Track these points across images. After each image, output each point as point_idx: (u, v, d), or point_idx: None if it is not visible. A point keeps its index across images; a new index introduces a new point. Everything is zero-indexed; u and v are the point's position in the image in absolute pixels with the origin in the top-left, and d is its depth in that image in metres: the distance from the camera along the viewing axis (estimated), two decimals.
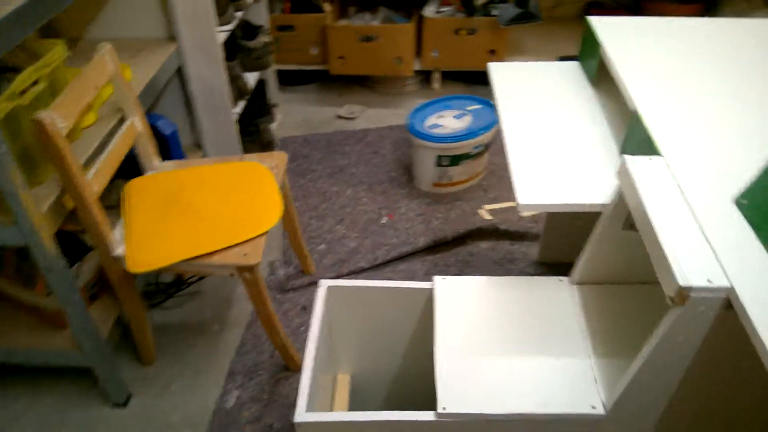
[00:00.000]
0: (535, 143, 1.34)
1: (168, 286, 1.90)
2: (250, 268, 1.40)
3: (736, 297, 0.83)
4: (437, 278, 1.26)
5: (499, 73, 1.61)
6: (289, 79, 3.01)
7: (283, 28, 2.78)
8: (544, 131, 1.38)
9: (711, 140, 1.13)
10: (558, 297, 1.23)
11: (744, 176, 1.03)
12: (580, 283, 1.26)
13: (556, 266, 1.95)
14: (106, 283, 1.56)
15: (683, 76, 1.34)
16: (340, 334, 1.35)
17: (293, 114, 2.82)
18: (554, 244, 1.94)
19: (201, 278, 1.94)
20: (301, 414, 1.04)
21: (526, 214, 2.14)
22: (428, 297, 1.28)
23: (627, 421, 1.04)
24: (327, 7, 2.80)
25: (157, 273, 1.52)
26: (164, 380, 1.63)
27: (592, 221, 1.83)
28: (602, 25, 1.54)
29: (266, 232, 1.44)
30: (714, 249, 0.90)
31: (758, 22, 1.59)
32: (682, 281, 0.85)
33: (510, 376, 1.08)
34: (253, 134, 2.43)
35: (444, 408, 1.02)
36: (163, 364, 1.67)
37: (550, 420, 1.03)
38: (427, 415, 1.03)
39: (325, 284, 1.27)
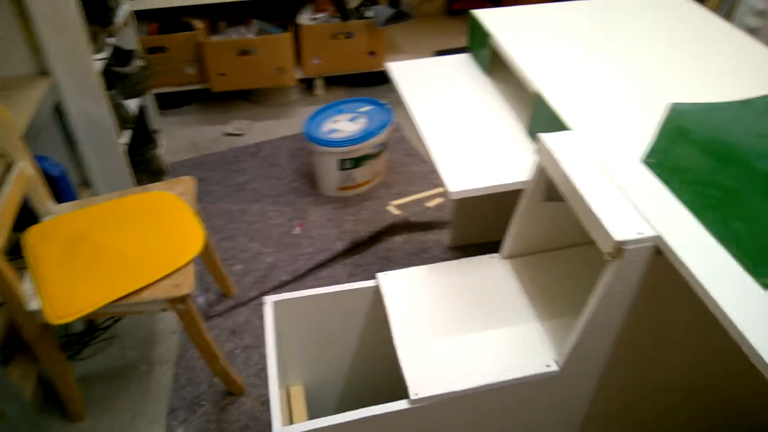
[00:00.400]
0: (449, 134, 1.41)
1: (80, 335, 1.79)
2: (183, 299, 1.36)
3: (664, 243, 0.94)
4: (380, 275, 1.29)
5: (399, 72, 1.67)
6: (166, 103, 2.91)
7: (154, 50, 2.68)
8: (454, 122, 1.45)
9: (610, 110, 1.25)
10: (494, 273, 1.30)
11: (645, 138, 1.16)
12: (510, 257, 1.34)
13: (468, 248, 2.05)
14: (19, 341, 1.44)
15: (571, 55, 1.46)
16: (289, 347, 1.35)
17: (178, 138, 2.73)
18: (463, 229, 2.03)
19: (116, 321, 1.83)
20: (279, 429, 1.03)
21: (431, 204, 2.23)
22: (372, 295, 1.31)
23: (578, 375, 1.13)
24: (198, 24, 2.74)
25: (68, 324, 1.43)
26: None
27: (498, 203, 1.94)
28: (487, 17, 1.64)
29: (193, 259, 1.41)
30: (636, 205, 1.00)
31: (621, 0, 1.76)
32: (618, 237, 0.94)
33: (469, 352, 1.13)
34: (142, 164, 2.33)
35: (416, 394, 1.06)
36: (95, 417, 1.57)
37: (511, 384, 1.10)
38: (401, 404, 1.06)
39: (270, 300, 1.26)
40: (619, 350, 1.12)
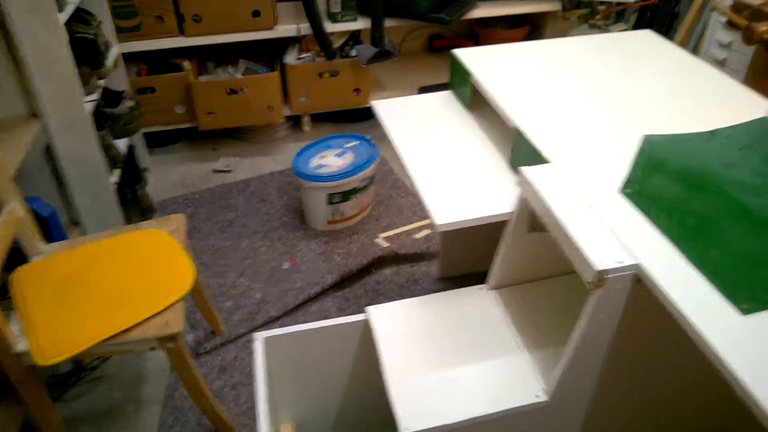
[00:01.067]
0: (434, 168, 1.44)
1: (67, 376, 1.77)
2: (173, 337, 1.37)
3: (643, 271, 0.96)
4: (369, 308, 1.31)
5: (384, 110, 1.71)
6: (155, 141, 2.94)
7: (143, 90, 2.71)
8: (438, 156, 1.49)
9: (587, 143, 1.30)
10: (482, 304, 1.32)
11: (622, 169, 1.19)
12: (497, 288, 1.36)
13: (457, 279, 2.07)
14: (3, 384, 1.44)
15: (548, 91, 1.51)
16: (278, 383, 1.35)
17: (167, 175, 2.75)
18: (451, 260, 2.06)
19: (103, 361, 1.83)
20: None
21: (419, 235, 2.25)
22: (362, 329, 1.33)
23: (567, 403, 1.15)
24: (186, 65, 2.78)
25: (55, 365, 1.42)
26: None
27: (485, 234, 1.97)
28: (467, 57, 1.69)
29: (183, 297, 1.42)
30: (615, 234, 1.03)
31: (590, 37, 1.82)
32: (599, 266, 0.97)
33: (459, 385, 1.14)
34: (131, 201, 2.35)
35: (407, 429, 1.06)
36: None
37: (502, 416, 1.11)
38: None
39: (261, 336, 1.27)
40: (606, 376, 1.14)
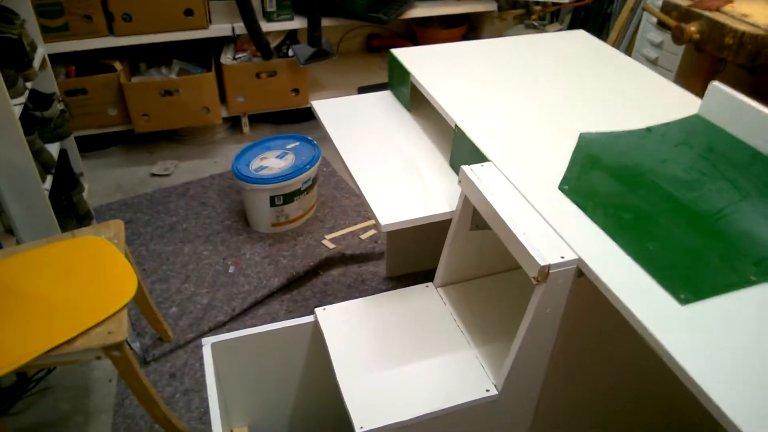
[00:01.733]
0: (376, 169, 1.46)
1: (11, 389, 1.71)
2: (118, 346, 1.34)
3: (585, 264, 1.01)
4: (318, 310, 1.31)
5: (324, 109, 1.71)
6: (89, 145, 2.84)
7: (74, 92, 2.62)
8: (380, 157, 1.50)
9: (525, 141, 1.34)
10: (429, 302, 1.35)
11: (559, 167, 1.24)
12: (443, 285, 1.39)
13: (405, 277, 2.09)
14: None
15: (486, 90, 1.55)
16: (230, 388, 1.34)
17: (102, 180, 2.66)
18: (398, 259, 2.08)
19: (48, 372, 1.76)
20: None
21: (365, 236, 2.27)
22: (311, 331, 1.33)
23: (517, 396, 1.19)
24: (118, 66, 2.70)
25: None
26: None
27: (431, 233, 2.00)
28: (406, 57, 1.71)
29: (126, 305, 1.39)
30: (556, 230, 1.08)
31: (526, 37, 1.88)
32: (542, 262, 1.01)
33: (410, 382, 1.16)
34: (67, 208, 2.27)
35: (361, 427, 1.08)
36: None
37: (454, 411, 1.13)
38: None
39: (208, 342, 1.26)
40: (554, 367, 1.18)
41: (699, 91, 1.48)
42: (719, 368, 0.82)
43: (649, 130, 1.30)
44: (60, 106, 2.27)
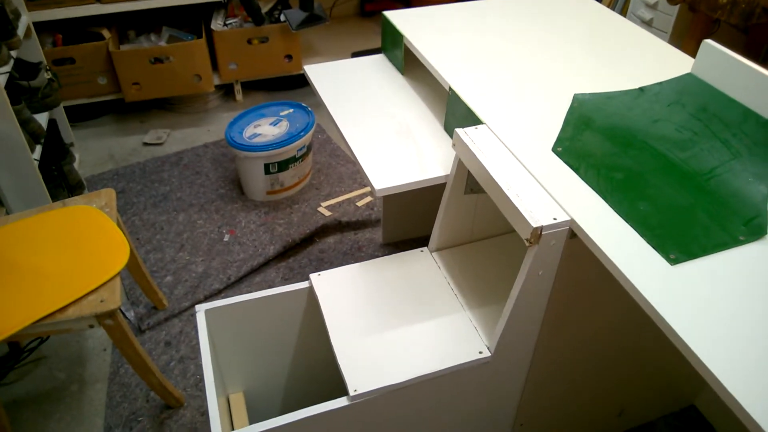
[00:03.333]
0: (370, 134, 1.44)
1: (4, 359, 1.71)
2: (111, 314, 1.34)
3: (577, 226, 1.00)
4: (313, 276, 1.31)
5: (317, 75, 1.69)
6: (79, 115, 2.81)
7: (62, 61, 2.58)
8: (374, 122, 1.49)
9: (520, 102, 1.32)
10: (423, 266, 1.35)
11: (553, 128, 1.23)
12: (438, 250, 1.39)
13: (401, 244, 2.09)
14: None
15: (481, 52, 1.52)
16: (225, 354, 1.35)
17: (94, 150, 2.64)
18: (394, 226, 2.08)
19: (42, 342, 1.77)
20: None
21: (361, 203, 2.26)
22: (306, 297, 1.33)
23: (510, 358, 1.19)
24: (106, 34, 2.66)
25: None
26: None
27: (427, 199, 2.00)
28: (399, 19, 1.68)
29: (118, 273, 1.38)
30: (549, 192, 1.07)
31: None
32: (535, 223, 1.00)
33: (404, 346, 1.17)
34: (57, 179, 2.25)
35: (355, 390, 1.08)
36: None
37: (447, 373, 1.14)
38: (340, 402, 1.08)
39: (202, 308, 1.26)
40: (546, 329, 1.18)
41: (693, 51, 1.46)
42: (707, 327, 0.82)
43: (642, 90, 1.29)
44: (47, 76, 2.23)
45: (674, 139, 1.14)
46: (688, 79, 1.23)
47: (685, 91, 1.21)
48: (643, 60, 1.47)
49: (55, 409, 1.60)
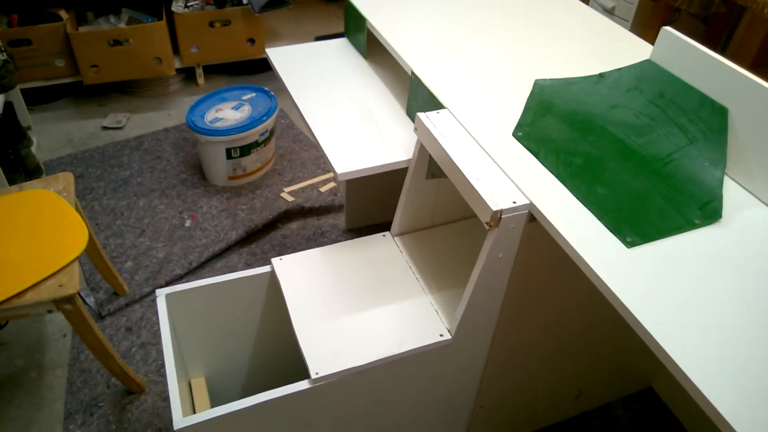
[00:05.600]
0: (333, 118, 1.44)
1: None
2: (69, 299, 1.31)
3: (536, 209, 1.02)
4: (274, 260, 1.31)
5: (279, 58, 1.67)
6: (36, 98, 2.73)
7: (17, 42, 2.50)
8: (337, 106, 1.48)
9: (482, 88, 1.33)
10: (385, 250, 1.35)
11: (514, 113, 1.24)
12: (400, 234, 1.40)
13: (364, 230, 2.10)
14: None
15: (443, 37, 1.53)
16: (187, 339, 1.34)
17: (51, 134, 2.57)
18: (357, 211, 2.08)
19: (0, 327, 1.73)
20: (179, 420, 1.03)
21: (324, 189, 2.25)
22: (268, 281, 1.33)
23: (470, 340, 1.21)
24: (63, 14, 2.59)
25: None
26: None
27: (389, 184, 2.00)
28: (362, 3, 1.67)
29: (77, 258, 1.36)
30: (509, 176, 1.08)
31: None
32: (494, 207, 1.01)
33: (365, 329, 1.17)
34: (14, 162, 2.19)
35: (317, 373, 1.09)
36: None
37: (408, 356, 1.15)
38: (302, 385, 1.09)
39: (162, 293, 1.24)
40: (506, 311, 1.20)
41: (653, 40, 1.48)
42: (661, 307, 0.85)
43: (601, 76, 1.31)
44: (2, 57, 2.16)
45: (632, 125, 1.16)
46: (646, 65, 1.25)
47: (643, 77, 1.24)
48: (604, 47, 1.49)
49: (14, 394, 1.57)
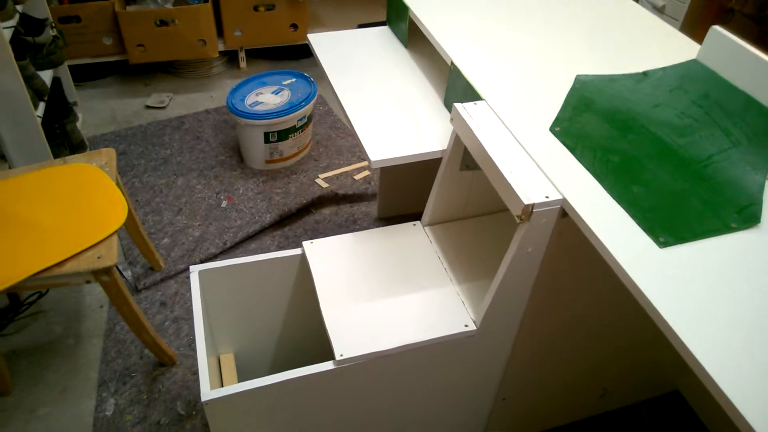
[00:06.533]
0: (370, 105, 1.44)
1: (4, 311, 1.74)
2: (107, 270, 1.36)
3: (569, 205, 1.01)
4: (306, 243, 1.33)
5: (320, 44, 1.68)
6: (83, 75, 2.81)
7: (67, 19, 2.57)
8: (375, 94, 1.49)
9: (522, 81, 1.32)
10: (415, 239, 1.36)
11: (553, 108, 1.23)
12: (430, 224, 1.40)
13: (395, 219, 2.10)
14: None
15: (486, 28, 1.52)
16: (217, 316, 1.37)
17: (97, 111, 2.64)
18: (390, 200, 2.09)
19: (41, 296, 1.79)
20: (207, 393, 1.06)
21: (359, 177, 2.27)
22: (299, 263, 1.35)
23: (495, 332, 1.21)
24: None
25: None
26: (28, 406, 1.52)
27: (423, 175, 2.00)
28: None
29: (116, 231, 1.40)
30: (543, 170, 1.08)
31: None
32: (526, 200, 1.01)
33: (391, 315, 1.19)
34: (60, 137, 2.26)
35: (341, 354, 1.10)
36: (22, 392, 1.55)
37: (432, 344, 1.16)
38: (326, 366, 1.11)
39: (196, 269, 1.27)
40: (533, 307, 1.20)
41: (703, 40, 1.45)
42: (691, 310, 0.84)
43: (645, 74, 1.29)
44: (53, 33, 2.23)
45: (674, 125, 1.14)
46: (692, 65, 1.23)
47: (688, 76, 1.21)
48: (651, 45, 1.46)
49: (52, 361, 1.63)
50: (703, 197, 1.02)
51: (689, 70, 1.23)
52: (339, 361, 1.10)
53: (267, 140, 2.20)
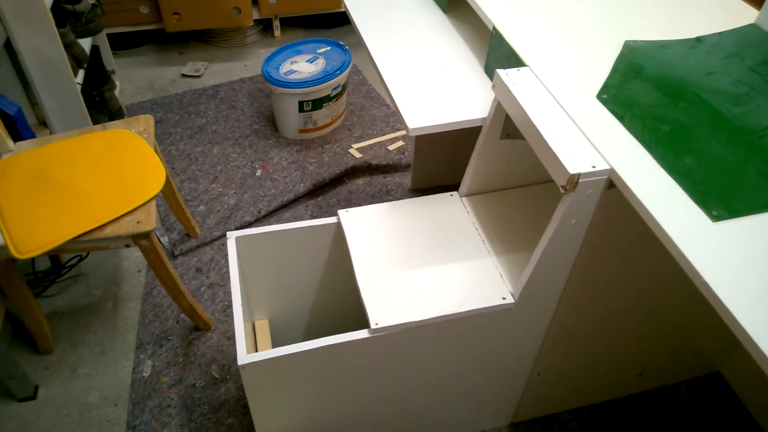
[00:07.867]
0: (408, 72, 1.41)
1: (46, 273, 1.78)
2: (146, 235, 1.36)
3: (617, 175, 0.97)
4: (341, 212, 1.31)
5: (357, 8, 1.65)
6: (120, 43, 2.82)
7: None
8: (413, 60, 1.46)
9: (567, 46, 1.27)
10: (452, 210, 1.33)
11: (600, 75, 1.18)
12: (468, 195, 1.37)
13: (429, 190, 2.08)
14: None
15: None
16: (253, 282, 1.37)
17: (134, 79, 2.66)
18: (424, 171, 2.06)
19: (81, 260, 1.82)
20: (243, 357, 1.06)
21: (392, 147, 2.24)
22: (334, 232, 1.34)
23: (533, 306, 1.19)
24: None
25: (34, 259, 1.42)
26: (69, 365, 1.56)
27: (458, 146, 1.97)
28: None
29: (155, 197, 1.40)
30: (590, 139, 1.04)
31: None
32: (572, 170, 0.98)
33: (427, 285, 1.17)
34: (98, 104, 2.27)
35: (376, 323, 1.09)
36: (63, 351, 1.59)
37: (468, 316, 1.14)
38: (361, 334, 1.10)
39: (233, 235, 1.27)
40: (574, 281, 1.17)
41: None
42: (745, 287, 0.80)
43: (699, 39, 1.23)
44: (91, 1, 2.23)
45: (729, 93, 1.09)
46: (750, 30, 1.16)
47: (746, 42, 1.15)
48: (705, 9, 1.40)
49: (91, 322, 1.66)
50: (760, 169, 0.97)
51: (747, 36, 1.17)
52: (374, 329, 1.09)
53: (301, 109, 2.19)
